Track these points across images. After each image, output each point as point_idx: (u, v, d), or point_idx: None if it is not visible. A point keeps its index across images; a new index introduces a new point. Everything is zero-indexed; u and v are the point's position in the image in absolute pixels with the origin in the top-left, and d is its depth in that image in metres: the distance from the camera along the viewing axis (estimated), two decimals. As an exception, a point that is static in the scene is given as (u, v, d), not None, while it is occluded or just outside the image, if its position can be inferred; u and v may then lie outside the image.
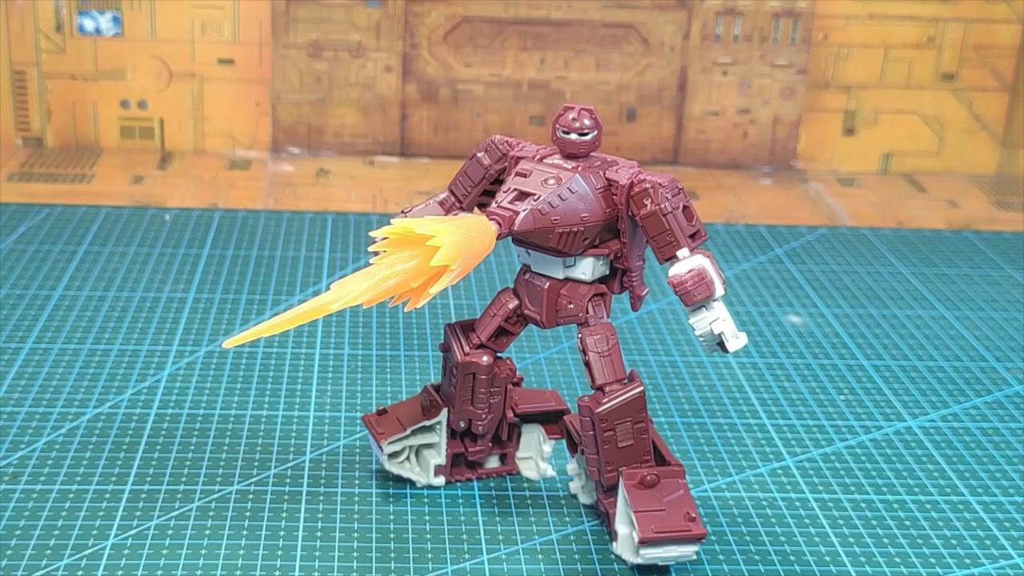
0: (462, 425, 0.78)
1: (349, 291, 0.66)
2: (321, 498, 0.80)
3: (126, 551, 0.74)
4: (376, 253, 0.67)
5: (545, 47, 1.44)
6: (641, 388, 0.73)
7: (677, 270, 0.71)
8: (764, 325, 1.08)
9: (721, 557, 0.76)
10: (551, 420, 0.83)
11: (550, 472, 0.83)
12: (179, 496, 0.79)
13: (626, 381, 0.73)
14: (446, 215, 0.76)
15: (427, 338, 1.02)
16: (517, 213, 0.71)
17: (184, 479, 0.81)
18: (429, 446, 0.81)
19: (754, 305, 1.11)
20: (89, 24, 1.41)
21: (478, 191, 0.77)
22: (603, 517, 0.78)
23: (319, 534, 0.77)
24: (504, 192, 0.72)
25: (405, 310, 0.77)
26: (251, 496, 0.80)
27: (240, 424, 0.88)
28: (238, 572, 0.73)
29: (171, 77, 1.44)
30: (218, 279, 1.11)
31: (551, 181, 0.71)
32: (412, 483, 0.81)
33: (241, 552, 0.74)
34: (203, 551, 0.74)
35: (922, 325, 1.09)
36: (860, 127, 1.51)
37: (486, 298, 1.08)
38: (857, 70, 1.48)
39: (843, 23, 1.46)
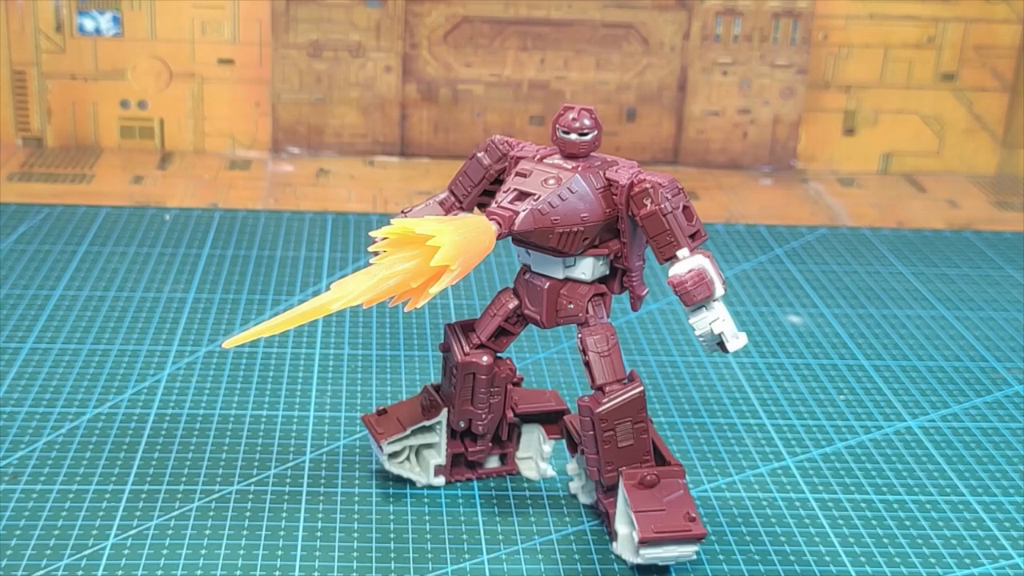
0: (462, 425, 0.78)
1: (349, 291, 0.66)
2: (321, 498, 0.80)
3: (126, 551, 0.74)
4: (376, 253, 0.67)
5: (545, 47, 1.44)
6: (641, 388, 0.73)
7: (677, 270, 0.71)
8: (764, 325, 1.07)
9: (721, 557, 0.76)
10: (551, 420, 0.83)
11: (550, 472, 0.83)
12: (179, 496, 0.79)
13: (626, 381, 0.73)
14: (446, 215, 0.76)
15: (427, 338, 1.02)
16: (517, 213, 0.71)
17: (184, 479, 0.81)
18: (429, 446, 0.81)
19: (754, 305, 1.11)
20: (89, 24, 1.41)
21: (478, 191, 0.77)
22: (603, 517, 0.78)
23: (319, 534, 0.77)
24: (504, 192, 0.72)
25: (405, 310, 0.77)
26: (251, 496, 0.80)
27: (240, 424, 0.88)
28: (238, 572, 0.73)
29: (171, 77, 1.43)
30: (218, 279, 1.11)
31: (551, 181, 0.71)
32: (412, 483, 0.81)
33: (241, 552, 0.74)
34: (203, 551, 0.74)
35: (922, 325, 1.09)
36: (860, 127, 1.51)
37: (486, 298, 1.08)
38: (857, 70, 1.48)
39: (843, 23, 1.46)
